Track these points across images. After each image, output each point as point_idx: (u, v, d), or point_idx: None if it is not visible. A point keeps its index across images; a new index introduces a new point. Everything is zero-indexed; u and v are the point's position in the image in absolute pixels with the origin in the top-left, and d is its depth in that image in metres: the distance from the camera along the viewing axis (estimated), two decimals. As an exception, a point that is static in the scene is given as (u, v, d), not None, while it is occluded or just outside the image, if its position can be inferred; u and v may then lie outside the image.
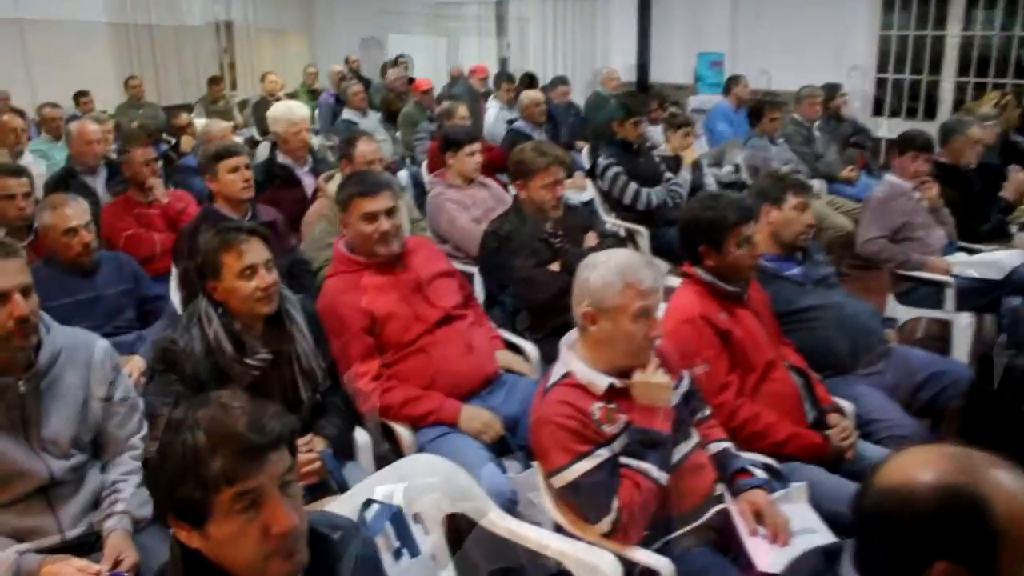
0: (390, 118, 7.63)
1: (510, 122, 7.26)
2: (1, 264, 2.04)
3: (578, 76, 10.76)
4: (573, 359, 2.24)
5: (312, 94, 9.88)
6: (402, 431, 2.74)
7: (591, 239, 3.55)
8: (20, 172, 3.85)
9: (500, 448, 2.73)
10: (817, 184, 6.37)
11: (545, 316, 3.31)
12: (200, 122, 6.54)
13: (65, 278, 3.20)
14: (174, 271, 3.79)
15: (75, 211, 3.19)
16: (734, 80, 7.97)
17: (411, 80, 9.71)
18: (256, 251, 2.40)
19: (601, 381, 2.17)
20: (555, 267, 3.38)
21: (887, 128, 8.59)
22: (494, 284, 3.45)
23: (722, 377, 2.59)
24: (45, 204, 3.23)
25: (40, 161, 6.14)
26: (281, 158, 4.73)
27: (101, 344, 2.29)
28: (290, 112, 4.72)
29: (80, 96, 8.26)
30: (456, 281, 3.12)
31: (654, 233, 5.12)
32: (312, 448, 2.46)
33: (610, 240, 3.53)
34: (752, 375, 2.63)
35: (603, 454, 2.12)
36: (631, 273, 2.15)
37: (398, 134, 7.54)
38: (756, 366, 2.64)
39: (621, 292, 2.14)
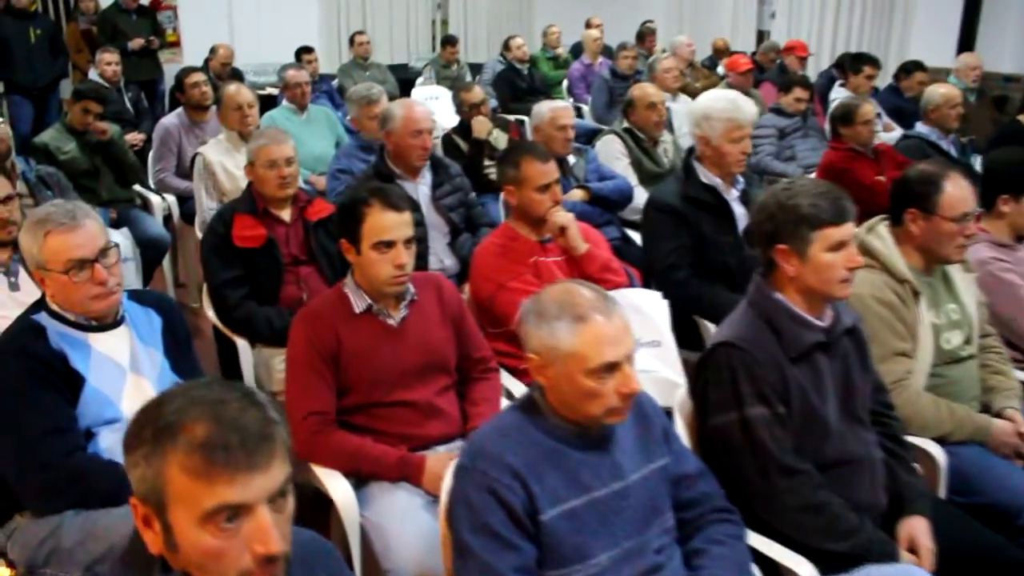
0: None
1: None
2: None
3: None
4: None
5: (553, 62, 8.19)
6: None
7: None
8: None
9: None
10: None
11: None
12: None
13: (565, 450, 1.59)
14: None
15: (615, 328, 1.56)
16: None
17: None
18: None
19: None
20: None
21: None
22: None
23: None
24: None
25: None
26: (706, 176, 3.09)
27: None
28: (735, 108, 3.02)
29: (303, 53, 6.76)
30: None
31: None
32: None
33: None
34: None
35: None
36: None
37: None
38: None
39: None
